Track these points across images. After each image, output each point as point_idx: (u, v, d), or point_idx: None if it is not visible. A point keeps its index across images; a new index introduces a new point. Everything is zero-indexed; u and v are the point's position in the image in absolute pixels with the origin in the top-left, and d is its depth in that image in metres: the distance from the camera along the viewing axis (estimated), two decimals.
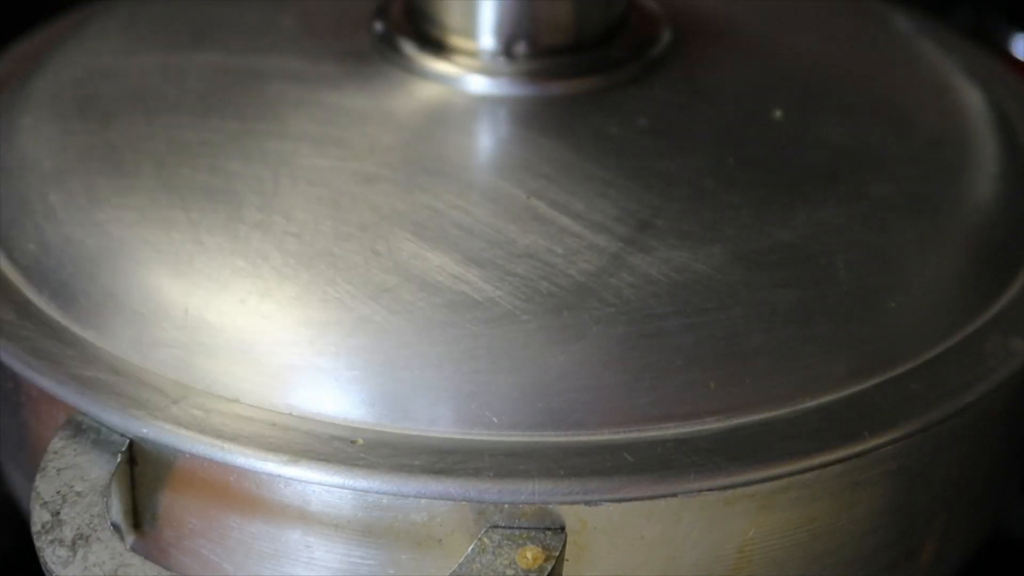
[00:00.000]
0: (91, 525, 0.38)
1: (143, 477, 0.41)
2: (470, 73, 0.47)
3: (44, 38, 0.54)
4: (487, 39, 0.47)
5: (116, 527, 0.40)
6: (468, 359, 0.40)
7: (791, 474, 0.40)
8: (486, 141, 0.46)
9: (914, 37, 0.54)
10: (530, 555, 0.38)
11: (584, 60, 0.47)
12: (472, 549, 0.38)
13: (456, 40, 0.47)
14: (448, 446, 0.39)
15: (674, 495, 0.39)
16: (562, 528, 0.39)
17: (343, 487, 0.39)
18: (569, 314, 0.40)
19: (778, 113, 0.47)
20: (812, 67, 0.50)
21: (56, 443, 0.40)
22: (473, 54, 0.47)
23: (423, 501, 0.39)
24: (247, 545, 0.41)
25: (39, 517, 0.39)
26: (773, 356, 0.41)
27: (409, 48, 0.48)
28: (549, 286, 0.41)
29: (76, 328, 0.43)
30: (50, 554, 0.38)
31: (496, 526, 0.39)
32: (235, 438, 0.39)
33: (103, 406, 0.40)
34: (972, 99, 0.51)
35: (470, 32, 0.47)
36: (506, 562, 0.38)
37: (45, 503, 0.39)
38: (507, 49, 0.47)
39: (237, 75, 0.48)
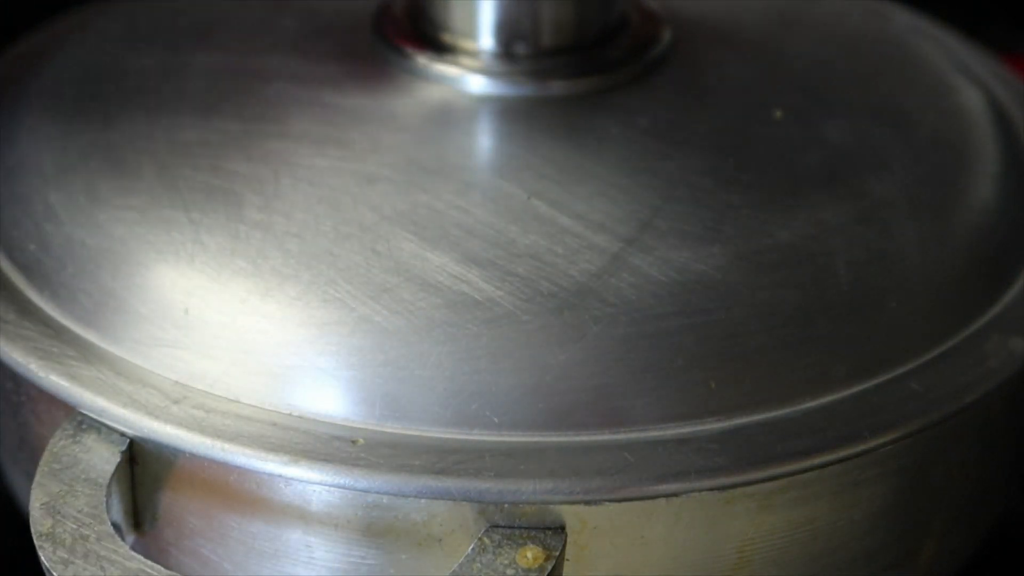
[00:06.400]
0: (91, 525, 0.38)
1: (143, 477, 0.41)
2: (470, 73, 0.47)
3: (44, 38, 0.53)
4: (487, 39, 0.47)
5: (116, 527, 0.40)
6: (469, 359, 0.40)
7: (791, 474, 0.40)
8: (486, 141, 0.46)
9: (914, 37, 0.54)
10: (530, 555, 0.38)
11: (584, 60, 0.47)
12: (472, 549, 0.38)
13: (456, 40, 0.47)
14: (448, 446, 0.39)
15: (674, 495, 0.39)
16: (562, 528, 0.39)
17: (343, 487, 0.39)
18: (570, 314, 0.40)
19: (778, 113, 0.47)
20: (812, 67, 0.50)
21: (56, 443, 0.40)
22: (473, 54, 0.47)
23: (423, 501, 0.39)
24: (247, 545, 0.41)
25: (39, 516, 0.39)
26: (773, 356, 0.41)
27: (409, 48, 0.48)
28: (550, 286, 0.41)
29: (77, 328, 0.43)
30: (50, 554, 0.38)
31: (496, 526, 0.39)
32: (235, 438, 0.39)
33: (103, 406, 0.40)
34: (972, 99, 0.51)
35: (470, 32, 0.47)
36: (506, 562, 0.38)
37: (45, 503, 0.39)
38: (507, 49, 0.47)
39: (238, 75, 0.48)
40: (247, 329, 0.41)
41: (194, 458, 0.40)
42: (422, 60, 0.47)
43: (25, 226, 0.45)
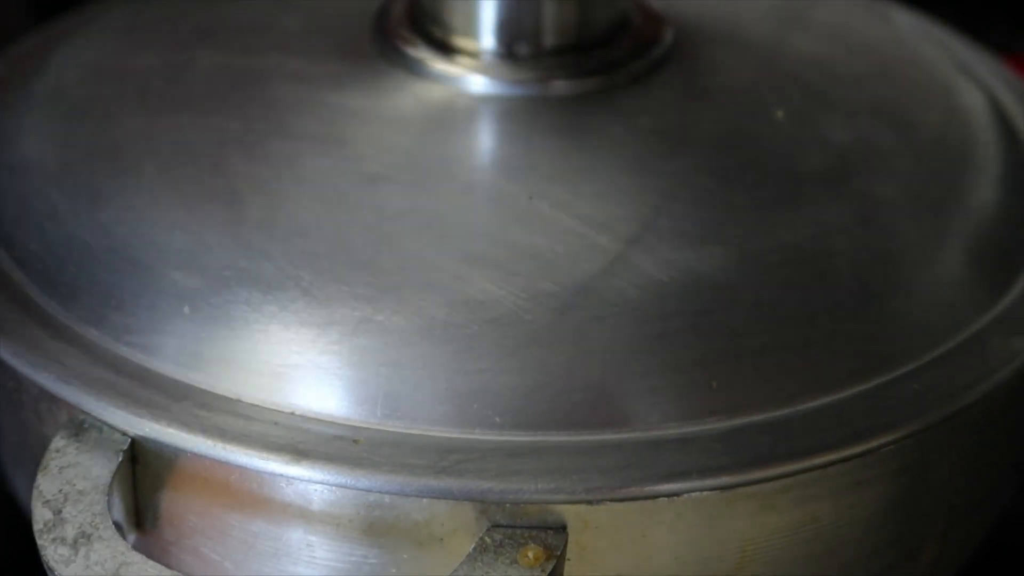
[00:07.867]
0: (93, 524, 0.39)
1: (145, 476, 0.41)
2: (472, 73, 0.47)
3: (44, 38, 0.53)
4: (489, 39, 0.47)
5: (118, 526, 0.40)
6: (470, 359, 0.40)
7: (792, 474, 0.40)
8: (488, 141, 0.46)
9: (915, 37, 0.54)
10: (532, 554, 0.38)
11: (586, 60, 0.47)
12: (474, 548, 0.38)
13: (458, 40, 0.47)
14: (450, 445, 0.39)
15: (676, 495, 0.39)
16: (564, 527, 0.39)
17: (345, 486, 0.39)
18: (571, 314, 0.40)
19: (780, 113, 0.47)
20: (814, 67, 0.50)
21: (58, 442, 0.40)
22: (475, 54, 0.47)
23: (425, 500, 0.39)
24: (248, 544, 0.41)
25: (41, 516, 0.39)
26: (775, 356, 0.41)
27: (411, 48, 0.48)
28: (551, 286, 0.41)
29: (78, 327, 0.43)
30: (52, 553, 0.38)
31: (498, 525, 0.39)
32: (237, 437, 0.39)
33: (105, 405, 0.40)
34: (973, 99, 0.51)
35: (472, 32, 0.47)
36: (508, 561, 0.38)
37: (47, 502, 0.39)
38: (509, 49, 0.47)
39: (239, 75, 0.48)
40: (249, 328, 0.41)
41: (195, 458, 0.40)
42: (423, 60, 0.47)
43: (27, 225, 0.45)
